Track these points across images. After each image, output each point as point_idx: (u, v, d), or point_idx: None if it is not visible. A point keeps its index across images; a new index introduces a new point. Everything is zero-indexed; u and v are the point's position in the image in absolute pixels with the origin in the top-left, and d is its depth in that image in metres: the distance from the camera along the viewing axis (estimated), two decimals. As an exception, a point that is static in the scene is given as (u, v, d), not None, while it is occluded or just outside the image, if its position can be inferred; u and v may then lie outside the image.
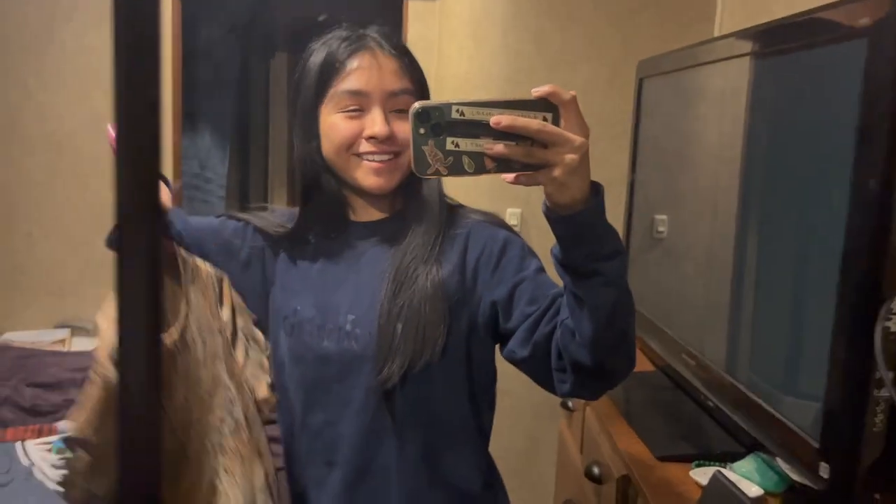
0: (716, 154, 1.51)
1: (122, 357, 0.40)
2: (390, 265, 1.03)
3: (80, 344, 2.24)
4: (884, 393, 1.00)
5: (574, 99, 0.77)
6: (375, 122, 1.01)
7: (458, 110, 0.75)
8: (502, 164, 0.76)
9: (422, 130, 0.75)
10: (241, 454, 0.86)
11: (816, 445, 1.05)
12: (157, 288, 0.41)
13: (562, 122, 0.77)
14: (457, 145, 0.75)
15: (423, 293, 1.00)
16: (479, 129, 0.75)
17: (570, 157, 0.76)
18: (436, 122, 0.75)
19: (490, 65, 2.32)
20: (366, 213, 1.09)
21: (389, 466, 1.03)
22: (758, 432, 1.22)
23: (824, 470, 1.03)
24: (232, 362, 0.91)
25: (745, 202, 1.37)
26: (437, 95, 2.43)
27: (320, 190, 1.08)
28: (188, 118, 2.84)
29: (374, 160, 1.02)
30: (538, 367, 0.95)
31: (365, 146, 1.01)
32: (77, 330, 2.32)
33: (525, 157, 0.76)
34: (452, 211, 1.08)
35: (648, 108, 1.88)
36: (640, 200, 1.94)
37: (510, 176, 0.77)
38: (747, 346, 1.33)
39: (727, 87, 1.45)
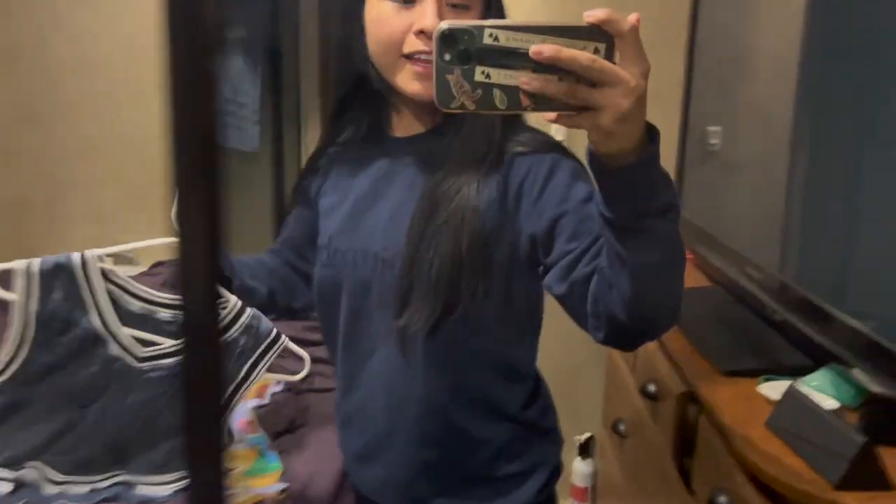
0: (773, 61, 1.41)
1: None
2: (427, 185, 0.93)
3: (124, 271, 2.22)
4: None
5: (634, 29, 0.64)
6: (427, 15, 0.87)
7: (491, 35, 0.64)
8: (540, 102, 0.65)
9: (447, 56, 0.64)
10: None
11: (903, 354, 0.99)
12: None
13: (616, 57, 0.64)
14: (488, 76, 0.65)
15: (459, 218, 0.89)
16: (515, 58, 0.64)
17: (622, 100, 0.63)
18: (464, 48, 0.64)
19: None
20: (406, 127, 0.99)
21: (420, 396, 0.97)
22: (833, 344, 1.16)
23: (913, 380, 0.98)
24: None
25: (802, 106, 1.28)
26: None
27: (358, 97, 0.99)
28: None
29: (421, 60, 0.89)
30: (574, 308, 0.86)
31: (412, 43, 0.89)
32: (119, 258, 2.31)
33: (567, 97, 0.64)
34: (502, 129, 0.94)
35: (706, 9, 1.76)
36: (693, 111, 1.85)
37: (549, 115, 0.67)
38: (821, 256, 1.26)
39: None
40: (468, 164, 0.91)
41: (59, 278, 1.02)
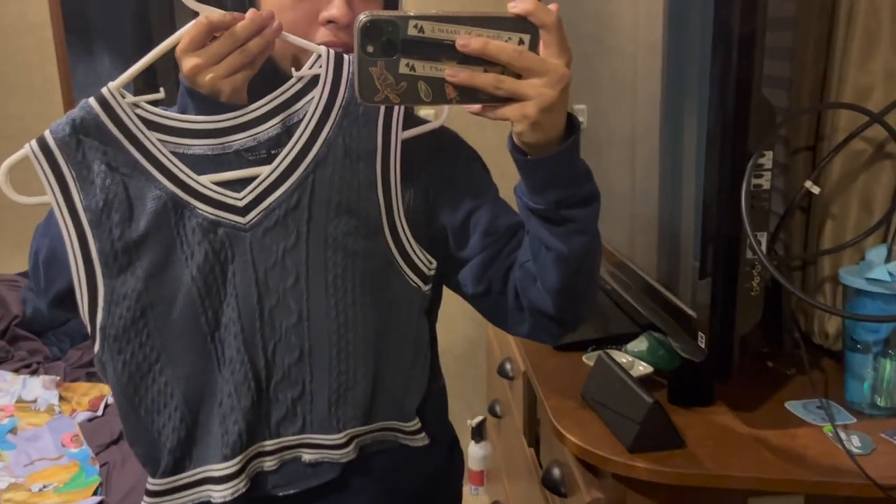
0: (636, 37, 1.42)
1: None
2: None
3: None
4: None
5: (558, 21, 0.65)
6: (334, 3, 0.81)
7: (416, 26, 0.63)
8: (466, 94, 0.66)
9: (370, 49, 0.64)
10: None
11: (694, 315, 1.01)
12: None
13: (541, 47, 0.66)
14: (412, 69, 0.64)
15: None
16: (440, 50, 0.64)
17: (548, 90, 0.65)
18: (388, 40, 0.63)
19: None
20: None
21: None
22: (647, 310, 1.19)
23: (701, 340, 1.00)
24: None
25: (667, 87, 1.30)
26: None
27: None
28: (81, 41, 2.65)
29: None
30: (491, 306, 0.88)
31: (321, 35, 0.82)
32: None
33: (494, 88, 0.65)
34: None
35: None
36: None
37: (475, 107, 0.67)
38: (641, 222, 1.28)
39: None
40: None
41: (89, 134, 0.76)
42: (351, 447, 0.85)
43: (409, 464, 0.92)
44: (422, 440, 0.89)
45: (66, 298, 0.80)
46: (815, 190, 1.09)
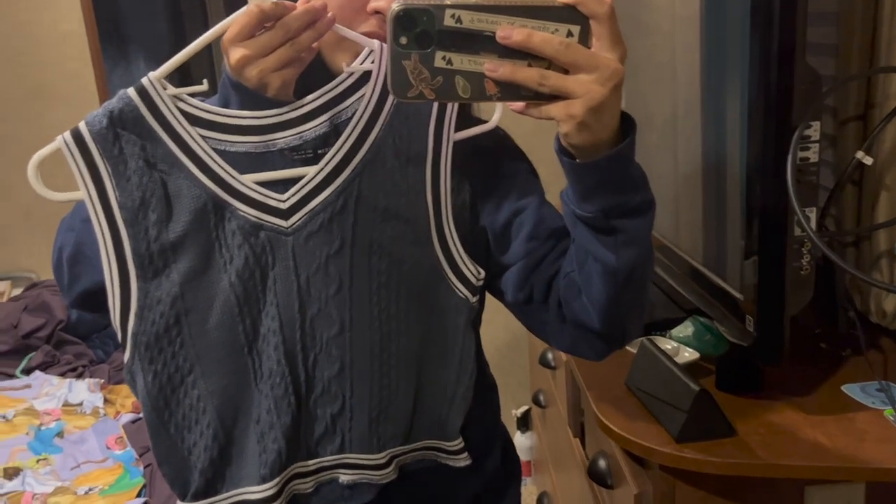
0: (672, 12, 1.37)
1: None
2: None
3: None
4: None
5: (611, 10, 0.59)
6: None
7: (453, 16, 0.58)
8: (507, 90, 0.60)
9: (403, 40, 0.58)
10: None
11: (740, 297, 0.97)
12: None
13: (591, 41, 0.59)
14: (449, 62, 0.59)
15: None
16: (479, 42, 0.58)
17: (598, 88, 0.59)
18: (423, 31, 0.58)
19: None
20: None
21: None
22: (692, 294, 1.14)
23: (749, 323, 0.95)
24: None
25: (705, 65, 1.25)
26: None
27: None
28: (116, 46, 2.69)
29: None
30: (532, 315, 0.81)
31: (367, 25, 0.77)
32: (17, 280, 2.25)
33: (537, 85, 0.59)
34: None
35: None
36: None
37: (517, 105, 0.62)
38: (684, 203, 1.24)
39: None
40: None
41: (126, 127, 0.71)
42: (391, 468, 0.80)
43: (453, 482, 0.87)
44: (464, 460, 0.83)
45: (90, 298, 0.77)
46: (868, 161, 1.03)
